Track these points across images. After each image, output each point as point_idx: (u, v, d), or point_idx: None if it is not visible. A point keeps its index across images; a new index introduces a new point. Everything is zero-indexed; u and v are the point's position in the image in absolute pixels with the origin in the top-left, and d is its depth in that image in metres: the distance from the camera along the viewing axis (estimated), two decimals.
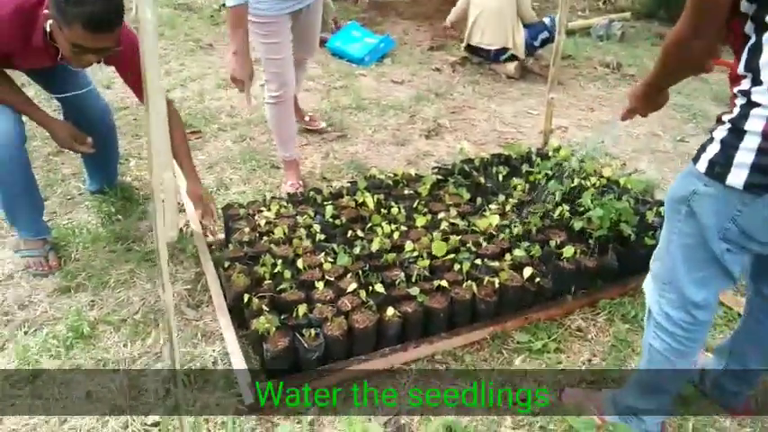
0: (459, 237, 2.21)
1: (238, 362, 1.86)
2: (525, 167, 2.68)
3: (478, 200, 2.46)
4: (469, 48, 4.64)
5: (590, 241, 2.23)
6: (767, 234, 1.30)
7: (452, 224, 2.29)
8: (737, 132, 1.23)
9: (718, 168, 1.26)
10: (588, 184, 2.52)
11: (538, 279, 2.08)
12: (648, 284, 1.54)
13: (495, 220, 2.29)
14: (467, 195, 2.49)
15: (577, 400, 1.81)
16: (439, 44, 5.09)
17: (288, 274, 2.03)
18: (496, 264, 2.11)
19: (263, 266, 2.06)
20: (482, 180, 2.60)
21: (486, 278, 2.04)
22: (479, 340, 2.05)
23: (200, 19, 5.39)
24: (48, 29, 1.94)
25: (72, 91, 2.34)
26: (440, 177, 2.64)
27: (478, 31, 4.48)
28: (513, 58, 4.45)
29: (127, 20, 1.93)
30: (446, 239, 2.17)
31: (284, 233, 2.23)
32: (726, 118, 1.27)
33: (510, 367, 1.97)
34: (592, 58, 5.04)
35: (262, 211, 2.39)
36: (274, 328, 1.83)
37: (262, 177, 3.07)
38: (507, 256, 2.15)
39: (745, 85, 1.23)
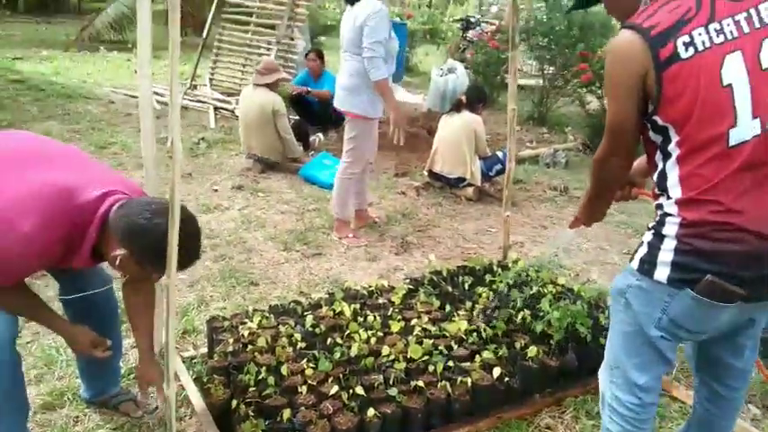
0: (432, 341, 2.38)
1: None
2: (488, 277, 2.92)
3: (447, 307, 2.66)
4: (431, 174, 5.09)
5: (551, 342, 2.43)
6: (692, 323, 1.51)
7: (425, 329, 2.47)
8: (659, 236, 1.50)
9: (647, 266, 1.51)
10: (546, 291, 2.76)
11: (507, 379, 2.24)
12: (602, 371, 1.74)
13: (464, 325, 2.48)
14: (437, 303, 2.69)
15: None
16: (403, 171, 5.54)
17: (272, 380, 2.14)
18: (468, 364, 2.27)
19: (248, 374, 2.17)
20: (450, 289, 2.82)
21: (460, 378, 2.19)
22: None
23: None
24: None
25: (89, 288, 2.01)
26: (411, 287, 2.85)
27: (440, 160, 4.95)
28: (471, 183, 4.90)
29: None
30: (420, 343, 2.33)
31: (267, 342, 2.36)
32: (650, 225, 1.56)
33: None
34: (541, 182, 5.54)
35: (245, 323, 2.52)
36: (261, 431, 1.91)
37: (241, 293, 3.22)
38: (477, 358, 2.32)
39: (661, 200, 1.53)
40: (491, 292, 2.78)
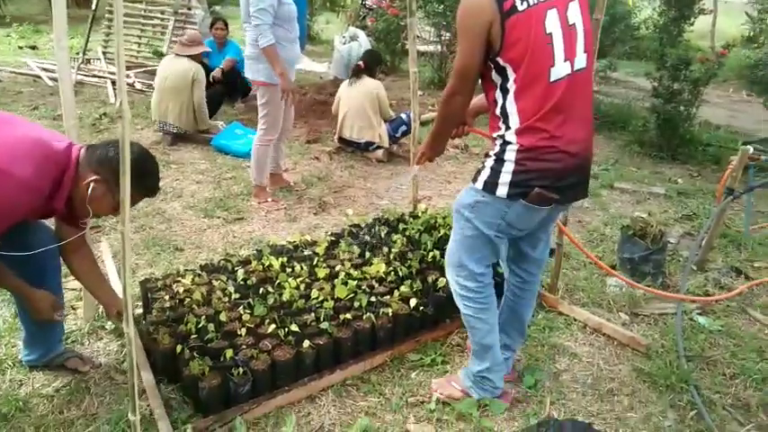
0: (356, 282, 2.66)
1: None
2: (401, 226, 3.23)
3: (367, 254, 2.95)
4: (342, 140, 5.32)
5: None
6: (521, 224, 2.00)
7: (348, 274, 2.74)
8: (500, 161, 1.92)
9: (490, 186, 1.94)
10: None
11: (422, 308, 2.58)
12: (448, 273, 2.19)
13: (383, 267, 2.78)
14: (357, 251, 2.97)
15: (441, 384, 2.33)
16: (315, 138, 5.73)
17: (212, 327, 2.33)
18: (388, 298, 2.58)
19: (189, 324, 2.35)
20: (368, 239, 3.11)
21: (381, 310, 2.49)
22: (381, 363, 2.47)
23: (82, 127, 5.59)
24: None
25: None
26: (332, 239, 3.11)
27: (348, 126, 5.18)
28: (379, 146, 5.18)
29: None
30: (345, 284, 2.61)
31: (202, 296, 2.54)
32: (492, 153, 1.96)
33: (407, 381, 2.40)
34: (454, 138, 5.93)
35: (178, 281, 2.67)
36: (207, 369, 2.12)
37: (167, 259, 3.33)
38: (396, 293, 2.63)
39: (501, 131, 1.92)
40: (404, 238, 3.10)
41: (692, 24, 6.65)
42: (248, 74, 3.94)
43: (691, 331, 2.83)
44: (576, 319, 2.87)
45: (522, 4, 1.77)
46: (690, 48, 6.47)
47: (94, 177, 1.88)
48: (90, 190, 1.88)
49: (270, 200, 4.17)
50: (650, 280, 3.21)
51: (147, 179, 2.01)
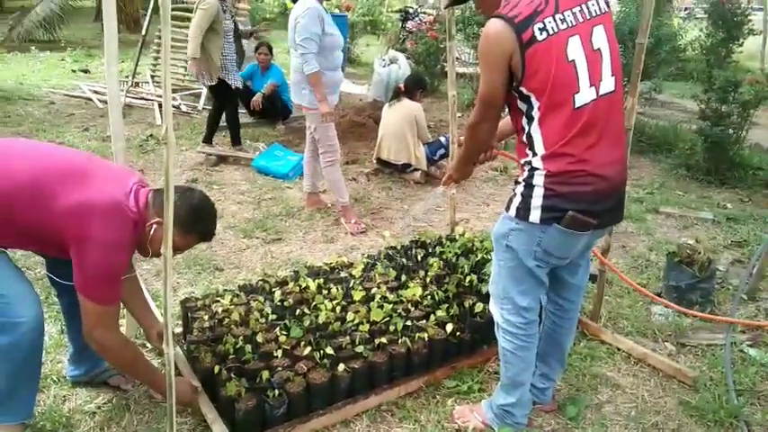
0: (392, 305, 2.64)
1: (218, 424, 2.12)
2: (438, 249, 3.21)
3: (403, 277, 2.93)
4: (380, 161, 5.35)
5: None
6: (559, 251, 1.95)
7: (384, 297, 2.73)
8: (530, 187, 1.90)
9: (522, 212, 1.91)
10: (490, 257, 3.07)
11: (459, 333, 2.54)
12: (492, 305, 2.13)
13: (419, 290, 2.75)
14: (393, 274, 2.96)
15: (463, 412, 2.29)
16: (353, 159, 5.78)
17: (249, 348, 2.35)
18: (424, 323, 2.55)
19: (227, 344, 2.38)
20: (404, 261, 3.10)
21: (417, 335, 2.47)
22: (416, 389, 2.44)
23: (130, 148, 5.79)
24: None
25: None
26: (369, 262, 3.11)
27: (386, 147, 5.21)
28: (417, 168, 5.19)
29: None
30: (381, 308, 2.60)
31: (240, 316, 2.57)
32: (520, 179, 1.94)
33: (443, 408, 2.36)
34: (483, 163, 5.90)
35: (218, 301, 2.71)
36: (243, 390, 2.13)
37: (207, 279, 3.39)
38: (432, 317, 2.60)
39: (528, 157, 1.91)
40: (441, 262, 3.07)
41: (740, 45, 6.48)
42: (294, 98, 4.17)
43: (741, 364, 2.71)
44: (619, 349, 2.77)
45: (541, 33, 1.77)
46: (739, 69, 6.30)
47: (158, 219, 1.97)
48: (152, 231, 1.98)
49: (353, 221, 4.17)
50: (698, 309, 3.09)
51: (204, 224, 2.14)
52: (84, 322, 1.94)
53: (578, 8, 1.83)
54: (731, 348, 2.69)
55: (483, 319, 2.61)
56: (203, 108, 7.39)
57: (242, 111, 7.06)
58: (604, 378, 2.58)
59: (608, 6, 1.93)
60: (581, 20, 1.82)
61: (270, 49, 6.75)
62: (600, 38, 1.85)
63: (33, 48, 10.98)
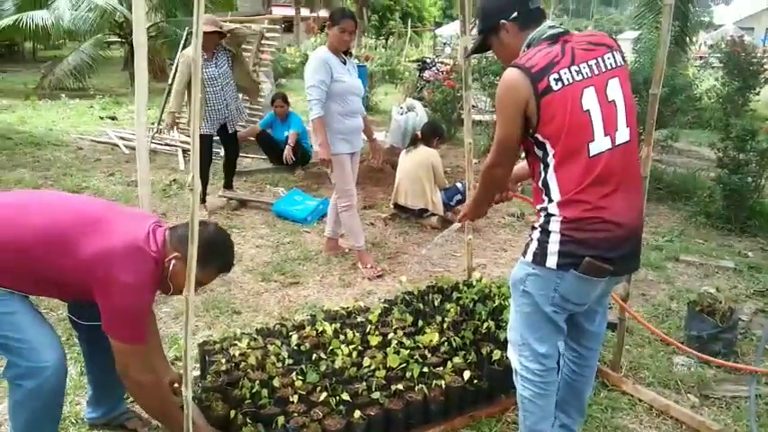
0: (408, 351, 2.63)
1: None
2: (455, 294, 3.21)
3: (420, 322, 2.93)
4: (397, 206, 5.41)
5: None
6: (577, 297, 1.95)
7: (401, 342, 2.72)
8: (546, 233, 1.91)
9: (539, 257, 1.92)
10: (507, 303, 3.05)
11: (476, 381, 2.51)
12: (510, 351, 2.12)
13: (436, 336, 2.74)
14: (410, 319, 2.95)
15: None
16: (370, 204, 5.84)
17: (265, 392, 2.35)
18: (441, 369, 2.53)
19: (243, 389, 2.38)
20: (421, 306, 3.09)
21: (434, 382, 2.44)
22: None
23: (154, 193, 5.92)
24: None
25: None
26: (386, 307, 3.11)
27: (403, 193, 5.28)
28: (434, 213, 5.24)
29: None
30: (397, 353, 2.59)
31: (257, 360, 2.57)
32: (537, 225, 1.96)
33: None
34: (499, 209, 5.90)
35: (235, 345, 2.73)
36: None
37: (225, 322, 3.41)
38: (449, 364, 2.58)
39: (544, 203, 1.94)
40: (458, 307, 3.06)
41: (757, 94, 6.51)
42: (314, 144, 4.35)
43: (767, 417, 2.62)
44: (640, 400, 2.71)
45: (556, 84, 1.83)
46: (756, 118, 6.31)
47: (175, 254, 2.02)
48: (171, 266, 2.02)
49: (369, 266, 4.20)
50: (721, 360, 3.02)
51: (221, 257, 2.17)
52: (117, 363, 1.97)
53: (594, 61, 1.89)
54: (756, 401, 2.61)
55: (501, 366, 2.58)
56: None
57: (262, 156, 7.24)
58: (626, 430, 2.51)
59: (624, 60, 1.99)
60: (596, 72, 1.88)
61: (285, 99, 6.94)
62: (615, 90, 1.90)
63: (63, 95, 11.41)
